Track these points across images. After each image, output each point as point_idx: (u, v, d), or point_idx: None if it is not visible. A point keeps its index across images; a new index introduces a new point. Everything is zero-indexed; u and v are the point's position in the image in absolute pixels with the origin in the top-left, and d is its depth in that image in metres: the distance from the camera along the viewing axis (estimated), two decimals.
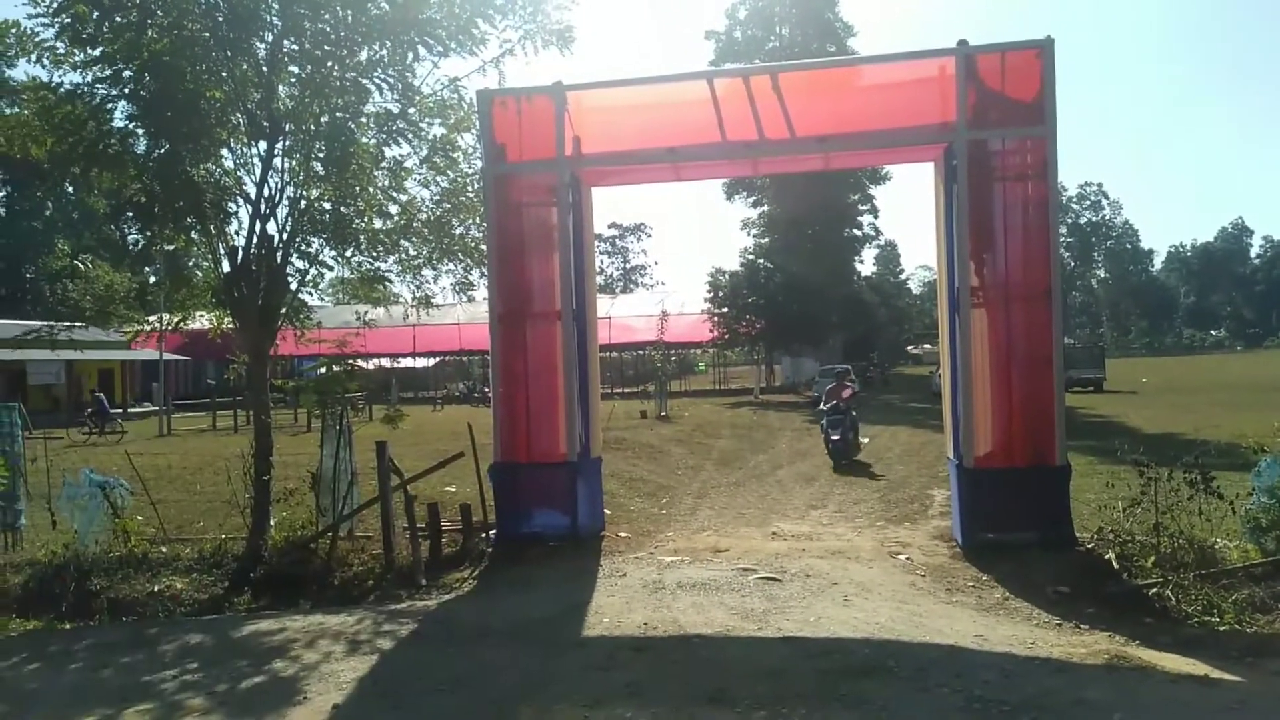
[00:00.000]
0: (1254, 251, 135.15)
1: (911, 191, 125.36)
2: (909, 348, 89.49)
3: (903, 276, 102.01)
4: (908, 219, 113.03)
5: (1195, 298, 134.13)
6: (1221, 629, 6.27)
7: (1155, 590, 6.96)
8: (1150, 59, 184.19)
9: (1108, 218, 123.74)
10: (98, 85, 8.31)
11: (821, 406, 16.91)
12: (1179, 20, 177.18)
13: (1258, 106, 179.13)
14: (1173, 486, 7.57)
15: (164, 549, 9.41)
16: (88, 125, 8.30)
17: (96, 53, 8.14)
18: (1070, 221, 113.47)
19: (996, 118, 8.63)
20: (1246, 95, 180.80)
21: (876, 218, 56.24)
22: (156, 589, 8.21)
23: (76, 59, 8.31)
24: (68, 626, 7.53)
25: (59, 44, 8.24)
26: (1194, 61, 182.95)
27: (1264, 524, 7.40)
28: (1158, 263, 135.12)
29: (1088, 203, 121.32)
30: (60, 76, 8.43)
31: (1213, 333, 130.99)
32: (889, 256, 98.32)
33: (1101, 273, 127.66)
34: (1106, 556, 7.72)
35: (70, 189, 9.35)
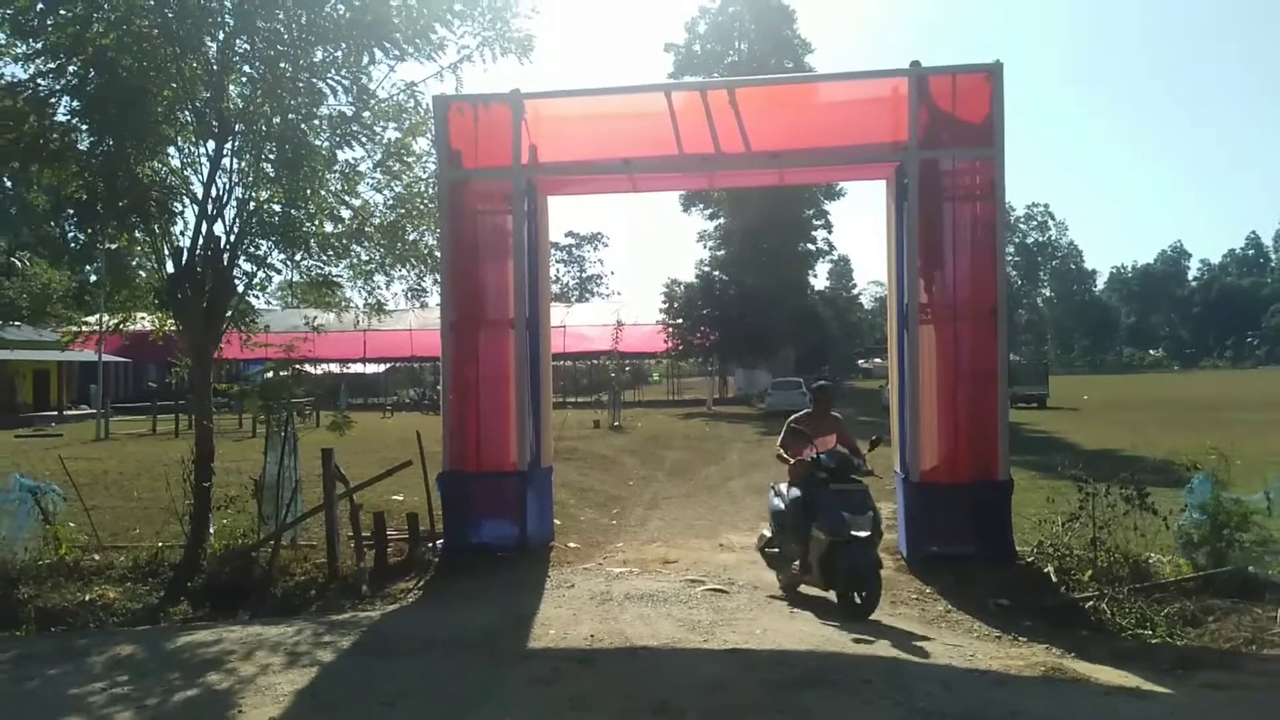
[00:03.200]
0: (1191, 274, 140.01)
1: (865, 207, 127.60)
2: (860, 361, 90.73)
3: (855, 291, 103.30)
4: (861, 235, 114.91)
5: (1135, 318, 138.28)
6: (1154, 642, 6.44)
7: (1092, 603, 7.14)
8: (1098, 84, 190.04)
9: (1054, 238, 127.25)
10: (40, 79, 8.08)
11: (787, 455, 8.01)
12: (1126, 47, 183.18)
13: (1199, 134, 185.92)
14: (1110, 502, 7.78)
15: (97, 557, 9.11)
16: (29, 119, 8.05)
17: (39, 45, 7.91)
18: (1017, 241, 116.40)
19: (947, 138, 8.81)
20: (1188, 122, 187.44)
21: (830, 233, 57.06)
22: (88, 598, 7.93)
23: (18, 51, 8.07)
24: None
25: (0, 35, 8.00)
26: (1139, 88, 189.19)
27: (1195, 539, 7.63)
28: (1100, 283, 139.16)
29: (1034, 223, 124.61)
30: (1, 68, 8.19)
31: (1151, 352, 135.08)
32: (842, 271, 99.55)
33: (1047, 291, 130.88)
34: (1046, 570, 7.89)
35: (8, 183, 9.04)
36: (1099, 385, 65.49)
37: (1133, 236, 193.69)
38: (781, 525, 7.75)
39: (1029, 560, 8.29)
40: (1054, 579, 7.71)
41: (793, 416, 8.39)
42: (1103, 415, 33.14)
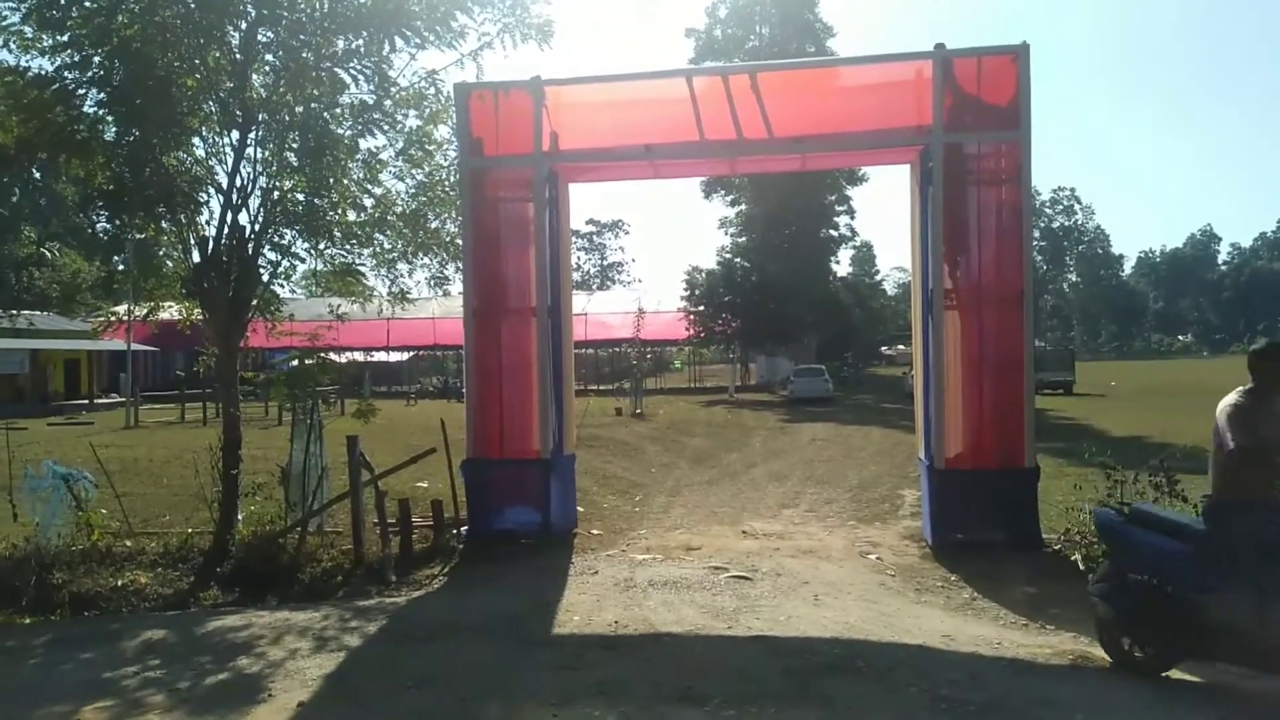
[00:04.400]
0: (1221, 258, 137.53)
1: (888, 193, 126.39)
2: (883, 348, 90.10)
3: (878, 278, 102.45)
4: (884, 220, 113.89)
5: (1164, 303, 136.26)
6: None
7: None
8: (1124, 65, 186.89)
9: (1080, 222, 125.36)
10: (66, 71, 8.16)
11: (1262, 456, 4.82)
12: (1154, 28, 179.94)
13: (1228, 115, 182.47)
14: (1138, 489, 7.69)
15: (128, 543, 9.25)
16: (55, 110, 8.14)
17: (65, 38, 8.00)
18: (1043, 225, 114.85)
19: (972, 121, 8.70)
20: (1217, 104, 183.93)
21: (853, 219, 56.60)
22: (120, 583, 8.06)
23: (45, 44, 8.15)
24: (27, 621, 7.38)
25: (26, 28, 8.09)
26: (1166, 69, 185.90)
27: None
28: (1128, 268, 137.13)
29: (1060, 207, 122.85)
30: (28, 61, 8.28)
31: (1180, 338, 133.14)
32: (864, 257, 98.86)
33: (1073, 277, 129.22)
34: (1073, 558, 7.82)
35: (38, 175, 9.14)
36: (1126, 371, 64.69)
37: (1161, 220, 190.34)
38: (1186, 571, 5.04)
39: (1056, 548, 8.22)
40: (1081, 567, 7.63)
41: (1231, 399, 5.06)
42: (1130, 401, 32.75)
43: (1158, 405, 29.37)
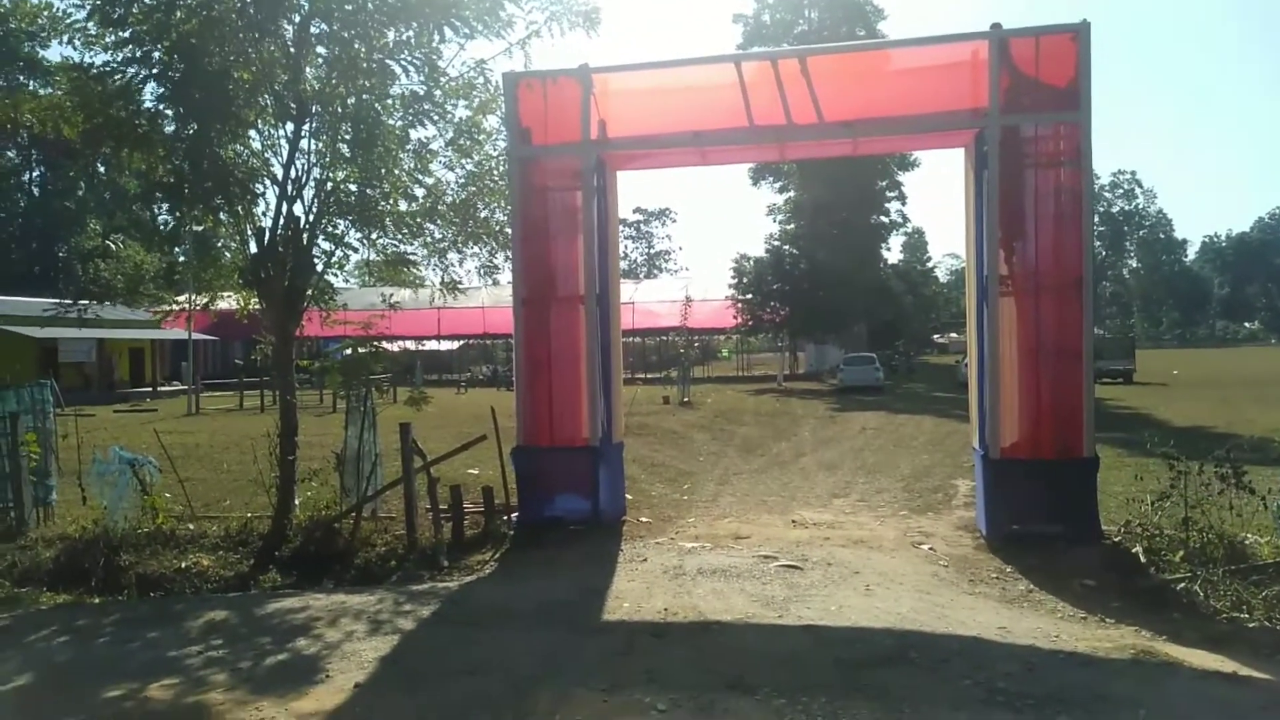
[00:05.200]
0: None
1: (940, 178, 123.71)
2: (935, 336, 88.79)
3: (930, 264, 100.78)
4: (936, 206, 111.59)
5: (1230, 289, 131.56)
6: (1251, 625, 6.15)
7: (1183, 585, 6.86)
8: (1184, 45, 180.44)
9: (1141, 206, 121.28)
10: (127, 66, 8.37)
11: None
12: (1220, 6, 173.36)
13: None
14: (1203, 481, 7.46)
15: (191, 526, 9.53)
16: (116, 104, 8.36)
17: (126, 33, 8.19)
18: (1102, 210, 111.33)
19: (1029, 103, 8.48)
20: None
21: (904, 204, 55.81)
22: (183, 565, 8.31)
23: (107, 40, 8.37)
24: (96, 601, 7.65)
25: (90, 25, 8.31)
26: (1230, 48, 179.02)
27: None
28: (1191, 253, 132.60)
29: (1120, 191, 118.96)
30: (91, 57, 8.51)
31: (1247, 325, 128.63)
32: (916, 244, 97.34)
33: (1133, 263, 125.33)
34: (1134, 550, 7.62)
35: (102, 169, 9.40)
36: (1190, 360, 62.73)
37: (1228, 204, 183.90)
38: None
39: (1116, 540, 8.02)
40: (1143, 560, 7.44)
41: None
42: (1194, 391, 31.74)
43: (1223, 395, 28.44)
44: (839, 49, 15.21)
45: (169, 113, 8.66)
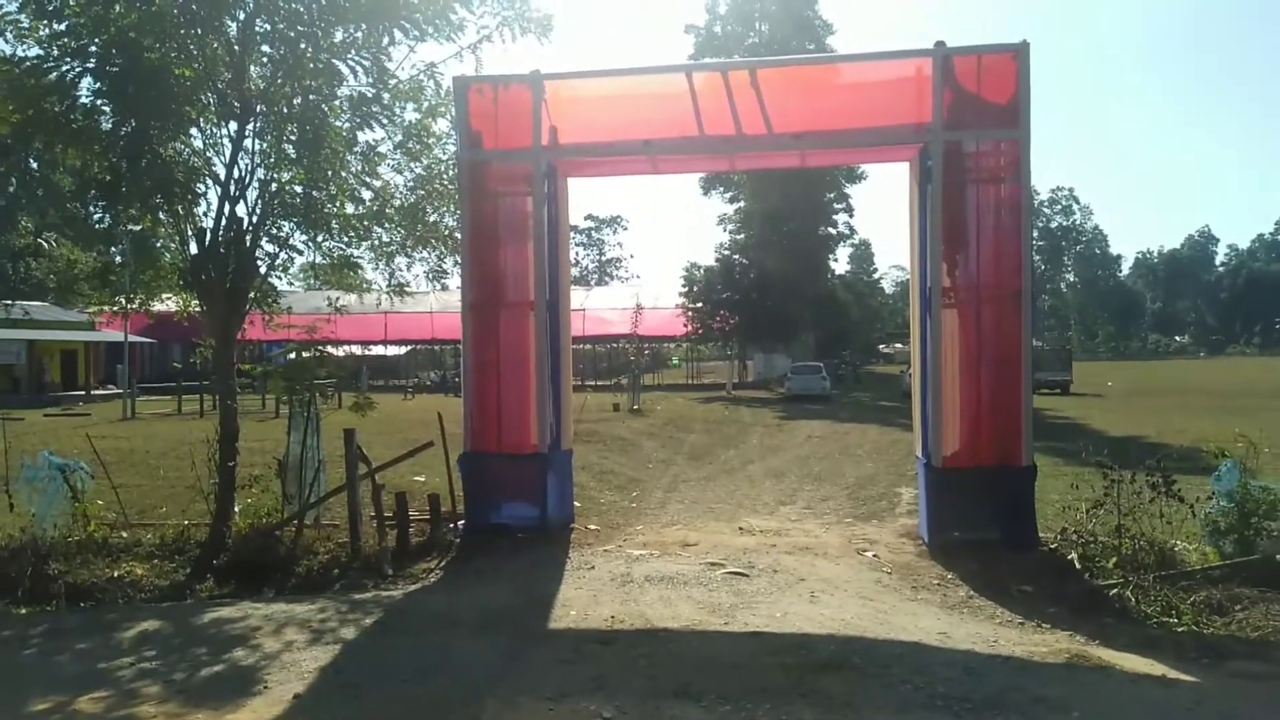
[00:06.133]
0: (1219, 259, 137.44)
1: (886, 191, 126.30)
2: (880, 346, 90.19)
3: (876, 275, 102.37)
4: (882, 219, 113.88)
5: (1161, 303, 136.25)
6: (1179, 630, 6.36)
7: (1116, 591, 7.07)
8: (1122, 66, 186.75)
9: (1078, 222, 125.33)
10: (63, 59, 8.10)
11: None
12: (1152, 28, 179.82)
13: (1226, 115, 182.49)
14: (1135, 489, 7.69)
15: (125, 534, 9.24)
16: (50, 99, 8.09)
17: (62, 26, 7.93)
18: (1041, 225, 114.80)
19: (971, 119, 8.69)
20: (1215, 104, 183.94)
21: (852, 216, 56.65)
22: (116, 574, 8.04)
23: (41, 33, 8.10)
24: (23, 611, 7.35)
25: (22, 17, 8.03)
26: (1164, 70, 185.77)
27: (1223, 527, 7.55)
28: (1125, 268, 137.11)
29: (1059, 207, 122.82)
30: (24, 50, 8.22)
31: (1177, 338, 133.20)
32: (863, 255, 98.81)
33: (1070, 277, 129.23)
34: (1069, 557, 7.83)
35: (35, 166, 9.08)
36: (1123, 371, 64.78)
37: (1159, 221, 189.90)
38: None
39: (1052, 547, 8.23)
40: (1078, 566, 7.65)
41: None
42: (1127, 401, 32.78)
43: (1154, 405, 29.42)
44: (788, 61, 15.45)
45: (106, 109, 8.40)
